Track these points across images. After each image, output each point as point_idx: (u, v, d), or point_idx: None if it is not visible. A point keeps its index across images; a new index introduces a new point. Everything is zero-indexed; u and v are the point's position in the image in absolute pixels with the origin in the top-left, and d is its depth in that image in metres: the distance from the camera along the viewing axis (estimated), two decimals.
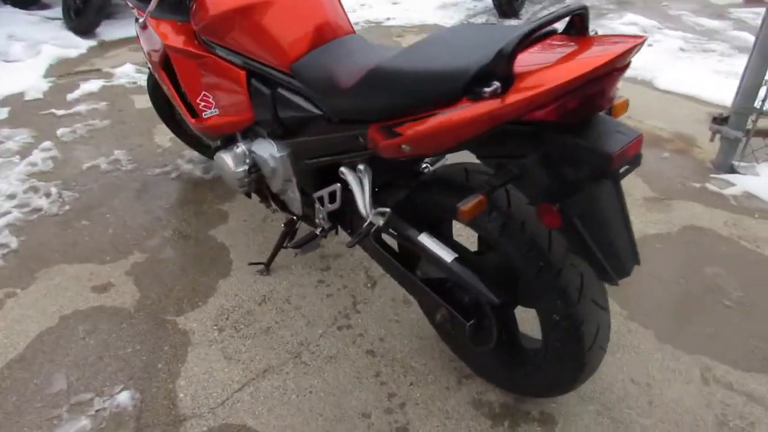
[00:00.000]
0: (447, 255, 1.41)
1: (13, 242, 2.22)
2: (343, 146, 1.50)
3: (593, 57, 0.96)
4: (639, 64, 4.27)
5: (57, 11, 4.92)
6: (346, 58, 1.47)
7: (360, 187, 1.52)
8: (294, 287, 2.04)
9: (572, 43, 1.07)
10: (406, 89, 1.19)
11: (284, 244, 2.08)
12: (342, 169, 1.56)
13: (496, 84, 1.02)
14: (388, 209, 1.46)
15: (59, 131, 3.08)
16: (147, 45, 2.04)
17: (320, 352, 1.77)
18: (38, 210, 2.43)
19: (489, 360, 1.61)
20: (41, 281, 2.04)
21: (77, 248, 2.21)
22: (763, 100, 2.77)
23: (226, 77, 1.75)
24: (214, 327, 1.85)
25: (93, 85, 3.66)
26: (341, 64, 1.45)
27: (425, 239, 1.45)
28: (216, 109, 1.86)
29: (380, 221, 1.49)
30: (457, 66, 1.10)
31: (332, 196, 1.67)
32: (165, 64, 1.96)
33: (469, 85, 1.07)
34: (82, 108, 3.35)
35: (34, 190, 2.56)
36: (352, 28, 1.71)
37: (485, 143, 1.14)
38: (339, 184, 1.63)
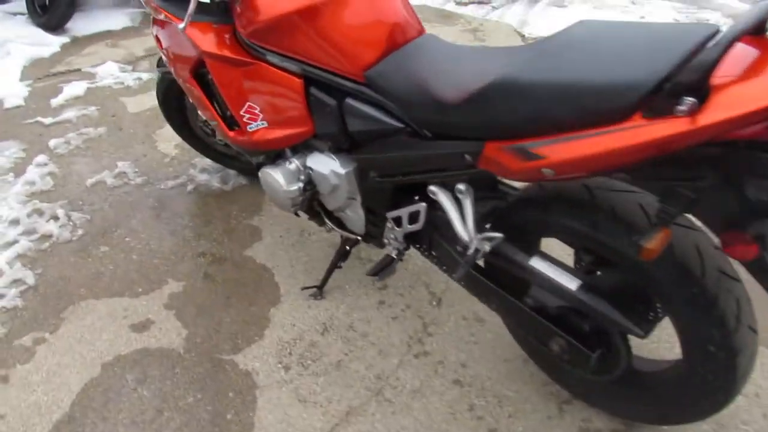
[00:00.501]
0: (570, 281, 1.26)
1: (29, 277, 1.97)
2: (437, 164, 1.33)
3: None
4: None
5: (19, 5, 4.52)
6: (443, 65, 1.29)
7: (458, 210, 1.35)
8: (354, 311, 1.86)
9: (758, 47, 0.91)
10: (553, 105, 1.01)
11: (339, 264, 1.90)
12: (432, 188, 1.39)
13: (692, 100, 0.85)
14: (499, 234, 1.30)
15: (51, 143, 2.79)
16: (171, 48, 1.80)
17: (402, 386, 1.61)
18: (48, 237, 2.18)
19: (596, 384, 1.48)
20: (71, 322, 1.81)
21: (103, 280, 1.98)
22: None
23: (280, 86, 1.54)
24: (279, 365, 1.67)
25: (76, 87, 3.35)
26: (439, 72, 1.27)
27: (540, 264, 1.30)
28: (264, 122, 1.65)
29: (486, 247, 1.32)
30: (628, 76, 0.93)
31: (413, 217, 1.50)
32: (196, 71, 1.74)
33: (647, 98, 0.91)
34: (70, 114, 3.06)
35: (39, 213, 2.30)
36: (422, 26, 1.52)
37: (650, 165, 0.99)
38: (424, 204, 1.46)
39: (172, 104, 2.35)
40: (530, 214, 1.31)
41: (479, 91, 1.12)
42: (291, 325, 1.81)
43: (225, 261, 2.07)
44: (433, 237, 1.53)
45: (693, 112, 0.86)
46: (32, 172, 2.53)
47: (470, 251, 1.32)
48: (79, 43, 4.10)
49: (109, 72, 3.57)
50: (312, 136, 1.59)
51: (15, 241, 2.12)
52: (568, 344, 1.33)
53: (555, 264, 1.30)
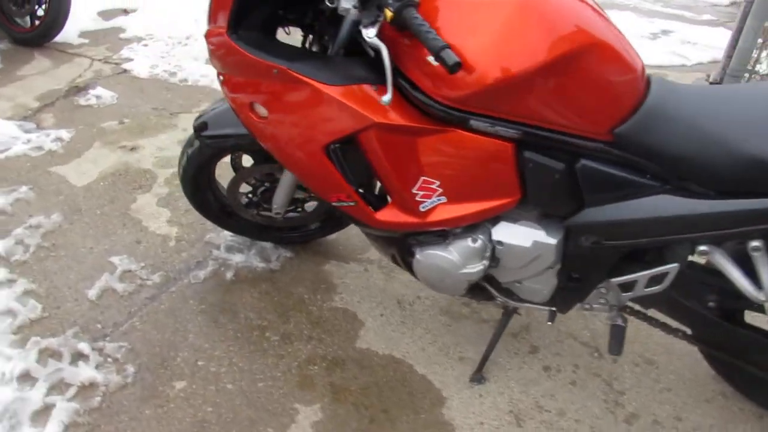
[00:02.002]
0: None
1: None
2: (726, 223, 1.19)
3: None
4: None
5: None
6: (741, 115, 1.14)
7: (740, 270, 1.22)
8: (529, 387, 1.64)
9: None
10: None
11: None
12: (704, 248, 1.24)
13: None
14: None
15: None
16: (295, 119, 1.37)
17: None
18: (92, 387, 1.59)
19: None
20: None
21: (213, 429, 1.50)
22: (755, 62, 3.01)
23: (483, 154, 1.27)
24: None
25: None
26: (748, 124, 1.12)
27: None
28: (442, 197, 1.35)
29: None
30: None
31: (656, 280, 1.34)
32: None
33: None
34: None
35: (52, 354, 1.68)
36: None
37: None
38: (676, 265, 1.30)
39: (204, 180, 1.87)
40: None
41: None
42: (479, 425, 1.54)
43: (344, 363, 1.70)
44: (670, 297, 1.39)
45: None
46: (2, 297, 1.84)
47: None
48: None
49: (9, 134, 2.76)
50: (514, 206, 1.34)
51: (48, 406, 1.52)
52: None
53: None
